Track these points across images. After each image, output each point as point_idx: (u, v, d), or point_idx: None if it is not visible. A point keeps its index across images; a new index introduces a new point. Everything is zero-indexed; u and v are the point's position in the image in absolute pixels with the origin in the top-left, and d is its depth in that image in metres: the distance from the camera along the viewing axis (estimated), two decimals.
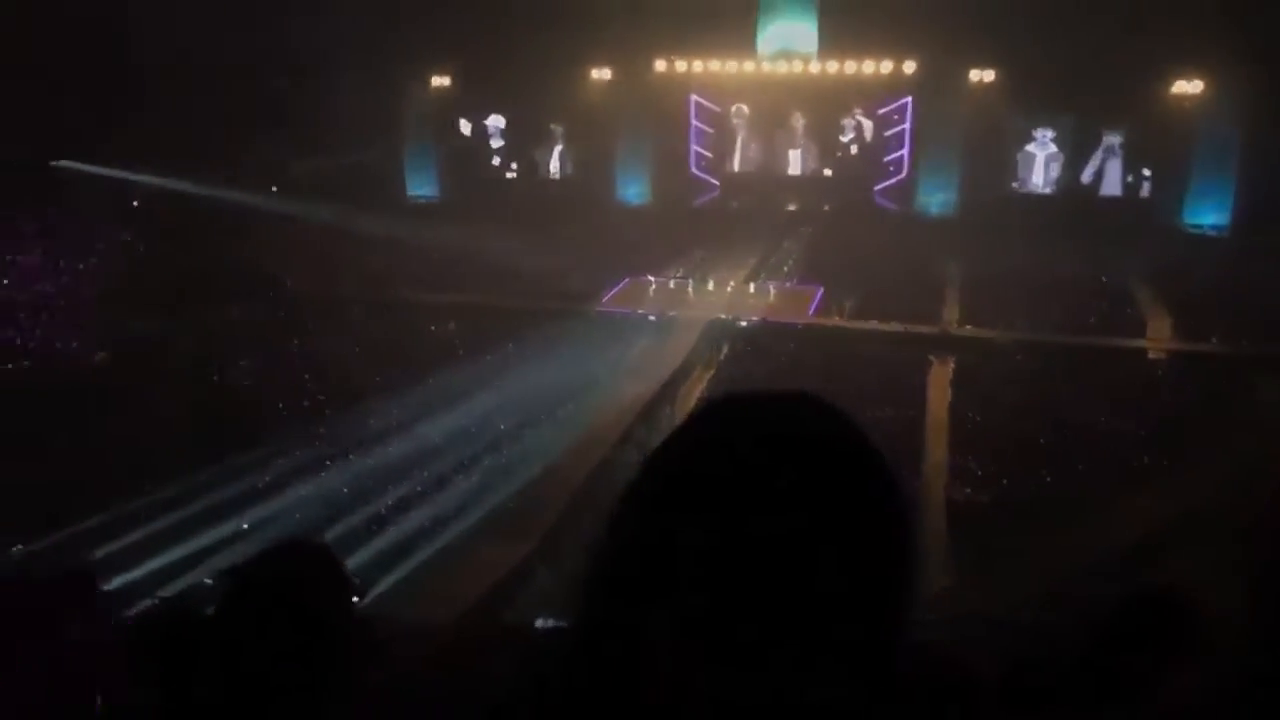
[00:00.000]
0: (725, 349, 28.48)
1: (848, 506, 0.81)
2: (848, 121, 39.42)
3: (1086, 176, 37.70)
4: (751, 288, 32.76)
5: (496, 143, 42.18)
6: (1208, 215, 35.54)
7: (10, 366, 26.29)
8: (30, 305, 29.11)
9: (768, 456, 0.81)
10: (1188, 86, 34.83)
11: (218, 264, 31.10)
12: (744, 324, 29.50)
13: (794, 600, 0.77)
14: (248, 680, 1.72)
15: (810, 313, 30.54)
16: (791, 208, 39.65)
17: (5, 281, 30.20)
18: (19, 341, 27.51)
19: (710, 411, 0.85)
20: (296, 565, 1.86)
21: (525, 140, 41.75)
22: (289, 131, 36.82)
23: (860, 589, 0.79)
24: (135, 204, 34.54)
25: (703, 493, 0.81)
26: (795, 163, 40.45)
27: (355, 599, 1.93)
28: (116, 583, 15.68)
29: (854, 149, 39.68)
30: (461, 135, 42.08)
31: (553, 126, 41.29)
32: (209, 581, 16.58)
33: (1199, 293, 29.92)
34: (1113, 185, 37.50)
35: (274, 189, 36.98)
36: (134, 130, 31.88)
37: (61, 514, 17.13)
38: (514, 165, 42.09)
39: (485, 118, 41.93)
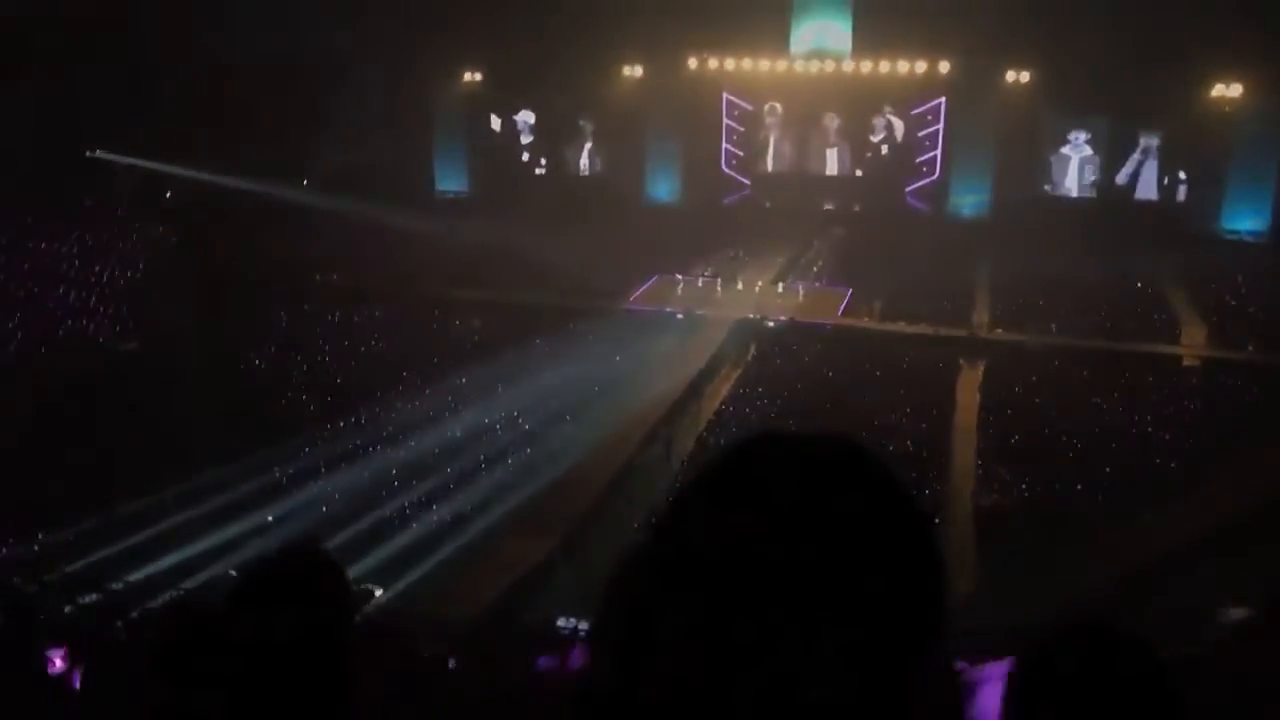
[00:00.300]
0: (753, 349, 28.36)
1: (866, 516, 0.80)
2: (880, 121, 39.16)
3: (1121, 179, 37.28)
4: (780, 287, 32.62)
5: (526, 139, 42.27)
6: (1245, 221, 35.04)
7: (43, 352, 26.63)
8: (63, 294, 29.45)
9: (790, 481, 0.80)
10: (1226, 90, 34.32)
11: (249, 257, 31.35)
12: (772, 324, 29.37)
13: (796, 602, 0.77)
14: (247, 683, 1.71)
15: (839, 314, 30.34)
16: (824, 208, 39.48)
17: (40, 270, 30.54)
18: (52, 329, 27.85)
19: (741, 448, 0.84)
20: (298, 570, 1.84)
21: (555, 137, 41.81)
22: (321, 127, 37.03)
23: (871, 596, 0.78)
24: (168, 196, 34.86)
25: (722, 515, 0.80)
26: (827, 162, 40.25)
27: (352, 607, 1.90)
28: (135, 576, 15.83)
29: (886, 149, 39.42)
30: (491, 131, 42.19)
31: (582, 123, 41.32)
32: (233, 574, 16.77)
33: (1235, 299, 29.54)
34: (1148, 189, 37.05)
35: (304, 183, 37.20)
36: (167, 124, 32.16)
37: (85, 507, 17.26)
38: (543, 161, 42.17)
39: (515, 114, 42.03)
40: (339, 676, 1.77)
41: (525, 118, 42.00)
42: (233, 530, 17.62)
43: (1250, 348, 26.66)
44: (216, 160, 33.54)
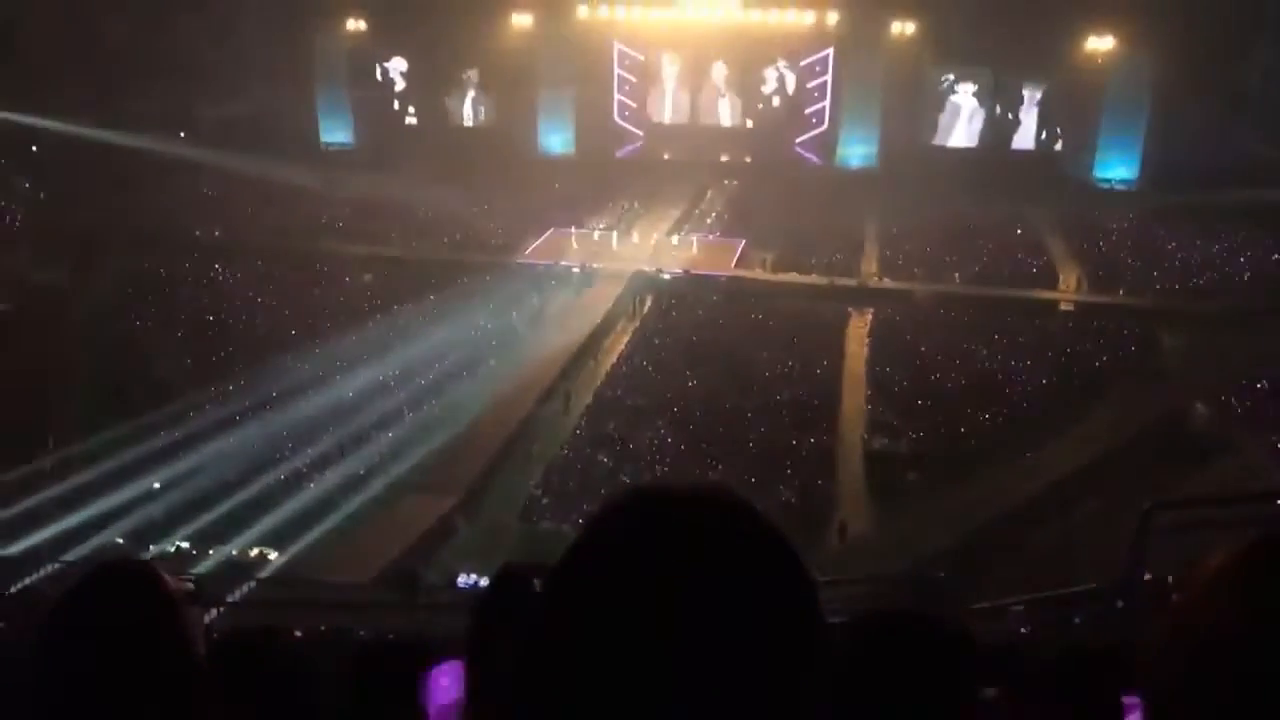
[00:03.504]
0: (649, 302, 28.41)
1: (752, 613, 0.76)
2: (770, 73, 39.42)
3: (1002, 130, 38.36)
4: (675, 240, 32.69)
5: (413, 90, 41.27)
6: (1117, 169, 36.44)
7: None
8: None
9: (675, 566, 0.74)
10: (1099, 43, 35.48)
11: (123, 213, 30.00)
12: (667, 276, 29.42)
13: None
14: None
15: (733, 265, 30.62)
16: (719, 159, 39.59)
17: None
18: None
19: (615, 515, 0.78)
20: (112, 592, 1.61)
21: (440, 87, 40.90)
22: (196, 76, 35.50)
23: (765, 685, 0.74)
24: (35, 149, 33.00)
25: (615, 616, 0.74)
26: (719, 113, 40.38)
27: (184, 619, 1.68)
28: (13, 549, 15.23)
29: (776, 100, 39.74)
30: (376, 82, 41.02)
31: (467, 74, 40.57)
32: (120, 541, 16.26)
33: (1107, 246, 30.83)
34: (1026, 139, 38.30)
35: (181, 135, 35.61)
36: (35, 73, 30.41)
37: None
38: (411, 110, 41.29)
39: (401, 64, 40.94)
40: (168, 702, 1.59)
41: (405, 66, 41.01)
42: (119, 498, 17.09)
43: (1121, 291, 27.81)
44: (89, 112, 31.86)
